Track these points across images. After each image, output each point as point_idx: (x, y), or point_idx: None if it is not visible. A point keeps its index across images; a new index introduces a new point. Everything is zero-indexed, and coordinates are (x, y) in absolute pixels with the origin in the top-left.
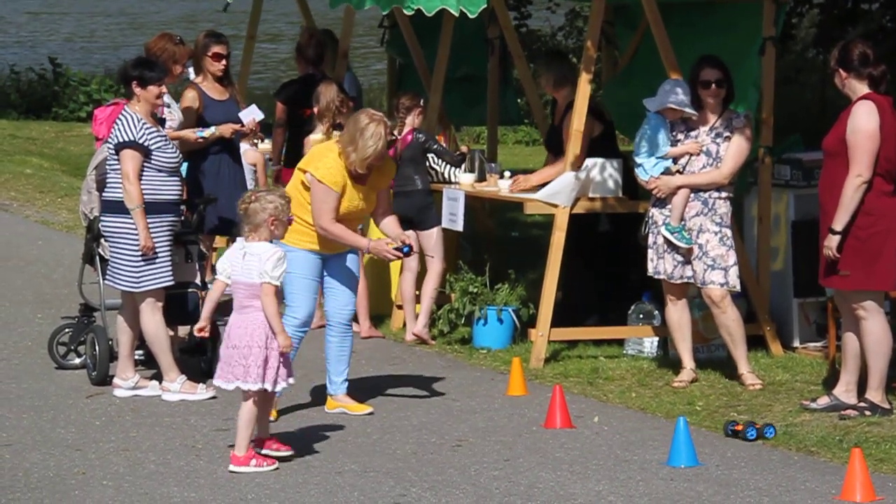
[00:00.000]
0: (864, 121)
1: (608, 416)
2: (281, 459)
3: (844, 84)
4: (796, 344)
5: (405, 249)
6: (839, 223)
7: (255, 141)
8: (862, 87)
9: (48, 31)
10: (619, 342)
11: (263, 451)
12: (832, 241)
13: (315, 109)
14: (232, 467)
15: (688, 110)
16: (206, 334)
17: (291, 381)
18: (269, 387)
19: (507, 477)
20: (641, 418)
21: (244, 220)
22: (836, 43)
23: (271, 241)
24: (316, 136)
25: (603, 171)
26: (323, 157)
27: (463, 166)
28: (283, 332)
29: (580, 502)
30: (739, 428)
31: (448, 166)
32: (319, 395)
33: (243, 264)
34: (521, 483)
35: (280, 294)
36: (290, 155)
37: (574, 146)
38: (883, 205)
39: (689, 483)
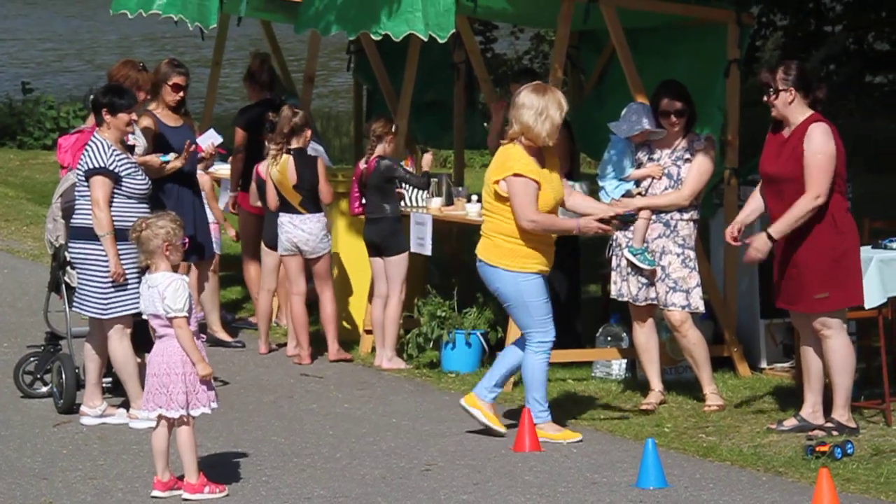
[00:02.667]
0: (823, 142)
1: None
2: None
3: (790, 104)
4: (763, 365)
5: (627, 216)
6: (779, 232)
7: (207, 165)
8: (805, 110)
9: None
10: (588, 364)
11: (184, 497)
12: (765, 246)
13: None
14: (186, 495)
15: (657, 130)
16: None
17: (214, 405)
18: (193, 413)
19: (477, 501)
20: (610, 440)
21: (139, 250)
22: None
23: (171, 270)
24: (267, 161)
25: (570, 195)
26: (508, 157)
27: (430, 188)
28: (201, 362)
29: None
30: (825, 448)
31: (416, 190)
32: (288, 420)
33: (148, 295)
34: None
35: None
36: (246, 179)
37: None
38: (848, 222)
39: None
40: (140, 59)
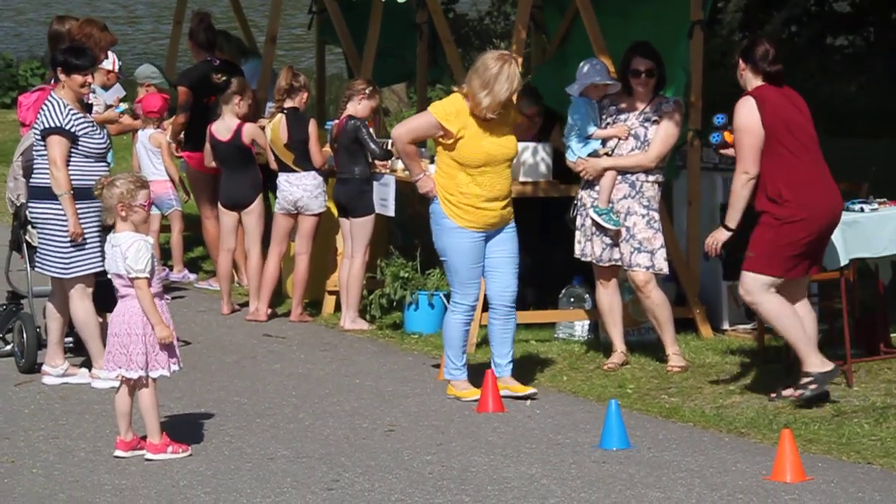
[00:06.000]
0: (742, 118)
1: (540, 400)
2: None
3: (741, 75)
4: (726, 326)
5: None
6: (732, 221)
7: (158, 124)
8: (756, 82)
9: None
10: (551, 326)
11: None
12: (724, 236)
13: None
14: (149, 455)
15: (609, 82)
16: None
17: (175, 368)
18: (153, 374)
19: (440, 461)
20: (573, 401)
21: (105, 208)
22: (762, 27)
23: (132, 229)
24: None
25: (535, 155)
26: (442, 101)
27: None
28: (160, 324)
29: (513, 486)
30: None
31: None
32: (251, 380)
33: (111, 254)
34: (454, 467)
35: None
36: (190, 139)
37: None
38: (792, 194)
39: (621, 465)
40: (64, 13)
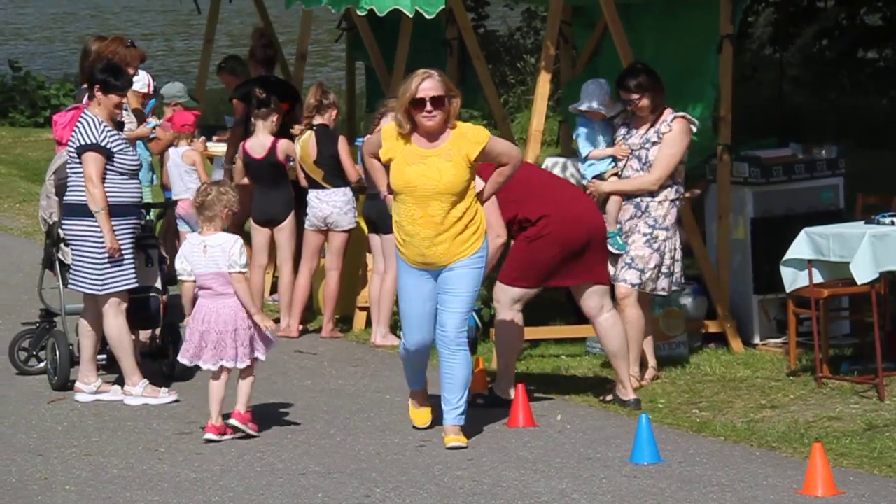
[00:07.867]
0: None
1: (571, 415)
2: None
3: None
4: (757, 340)
5: None
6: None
7: (191, 140)
8: None
9: None
10: (581, 341)
11: (231, 422)
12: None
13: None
14: (234, 422)
15: (594, 109)
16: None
17: (262, 354)
18: (256, 355)
19: (471, 476)
20: (604, 416)
21: (199, 213)
22: (793, 41)
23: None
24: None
25: (564, 171)
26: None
27: None
28: (259, 313)
29: (544, 500)
30: None
31: None
32: (283, 396)
33: (206, 257)
34: (485, 482)
35: None
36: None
37: (534, 146)
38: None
39: (652, 480)
40: (95, 34)
